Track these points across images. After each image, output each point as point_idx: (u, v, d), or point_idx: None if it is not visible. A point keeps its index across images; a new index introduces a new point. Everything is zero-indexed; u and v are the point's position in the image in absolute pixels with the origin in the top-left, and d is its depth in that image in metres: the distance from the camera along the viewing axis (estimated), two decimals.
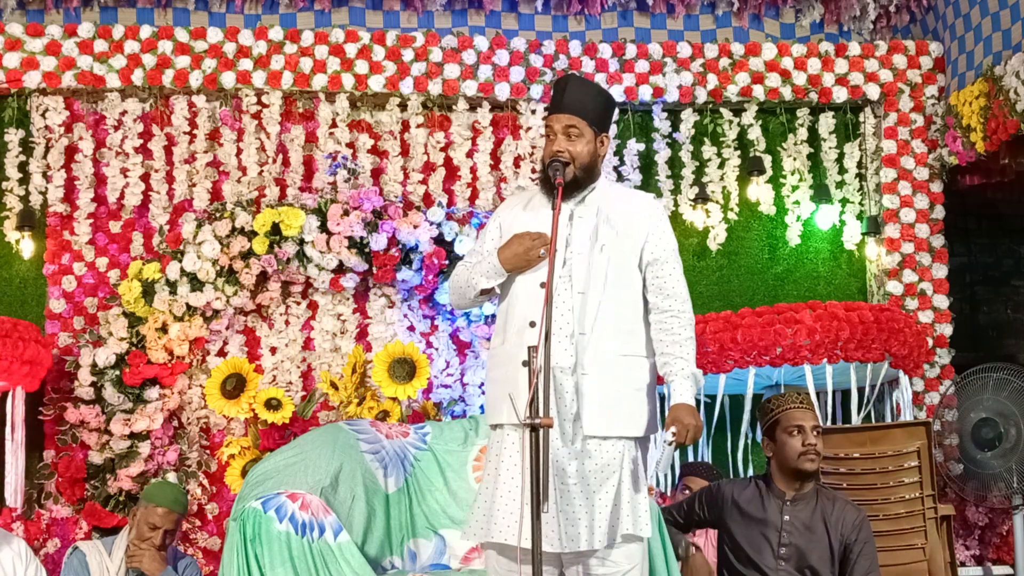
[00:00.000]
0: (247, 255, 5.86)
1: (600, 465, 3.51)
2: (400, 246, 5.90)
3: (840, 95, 6.61)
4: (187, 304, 5.80)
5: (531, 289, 3.61)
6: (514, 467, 3.51)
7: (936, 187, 6.63)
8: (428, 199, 6.20)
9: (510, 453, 3.55)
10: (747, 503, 4.28)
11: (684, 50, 6.54)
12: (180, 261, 5.81)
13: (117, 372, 5.74)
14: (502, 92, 6.34)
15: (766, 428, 4.34)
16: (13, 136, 6.07)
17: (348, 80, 6.24)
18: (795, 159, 6.61)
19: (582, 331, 3.53)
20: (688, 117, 6.51)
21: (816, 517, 4.19)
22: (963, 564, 6.10)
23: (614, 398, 3.53)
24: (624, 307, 3.60)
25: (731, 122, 6.55)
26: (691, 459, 5.98)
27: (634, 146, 6.45)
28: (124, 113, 6.14)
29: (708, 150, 6.54)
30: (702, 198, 6.47)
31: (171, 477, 5.74)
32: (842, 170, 6.64)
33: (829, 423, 5.66)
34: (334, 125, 6.27)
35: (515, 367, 3.54)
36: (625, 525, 3.47)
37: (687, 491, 5.01)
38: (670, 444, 3.38)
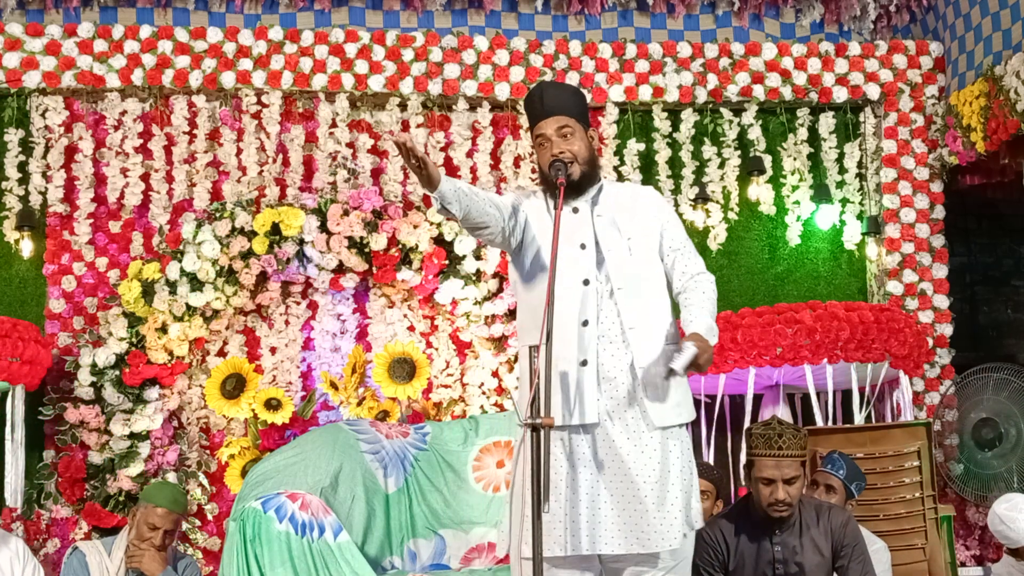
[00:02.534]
0: (247, 255, 5.85)
1: (661, 458, 3.47)
2: (400, 246, 5.90)
3: (840, 95, 6.61)
4: (187, 304, 5.80)
5: (572, 287, 3.52)
6: (561, 469, 3.46)
7: (936, 187, 6.63)
8: (428, 199, 6.20)
9: (555, 456, 3.45)
10: (742, 547, 4.22)
11: (684, 50, 6.54)
12: (180, 261, 5.81)
13: (117, 372, 5.73)
14: (502, 92, 6.34)
15: (746, 464, 4.29)
16: (13, 136, 6.07)
17: (348, 80, 6.24)
18: (795, 159, 6.61)
19: (631, 326, 3.50)
20: (688, 117, 6.51)
21: (804, 535, 4.17)
22: (963, 564, 6.10)
23: (669, 387, 3.52)
24: (657, 297, 3.60)
25: (731, 122, 6.55)
26: None
27: (634, 146, 6.45)
28: (124, 113, 6.14)
29: (708, 150, 6.54)
30: (702, 198, 6.46)
31: (171, 477, 5.74)
32: (842, 170, 6.64)
33: (829, 423, 5.66)
34: (334, 125, 6.27)
35: (575, 368, 3.48)
36: (685, 520, 3.46)
37: None
38: (682, 360, 3.34)
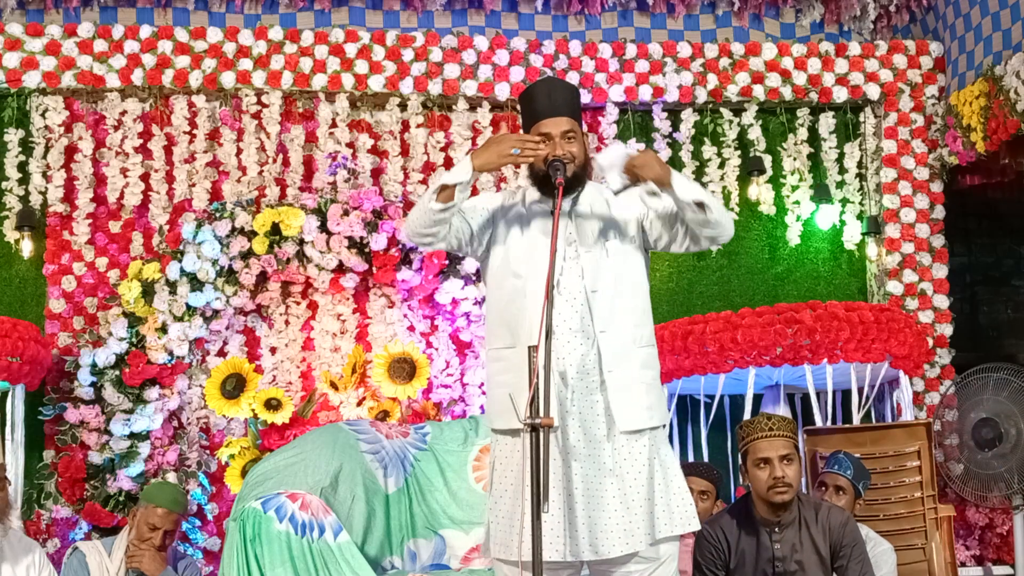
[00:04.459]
0: (247, 255, 5.85)
1: (632, 460, 3.48)
2: (400, 246, 5.90)
3: (840, 95, 6.61)
4: (187, 304, 5.80)
5: (510, 295, 3.53)
6: (516, 472, 3.48)
7: (936, 187, 6.63)
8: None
9: (509, 459, 3.52)
10: (743, 544, 4.21)
11: (684, 50, 6.54)
12: (180, 261, 5.81)
13: (117, 372, 5.73)
14: (502, 92, 6.34)
15: (741, 458, 4.29)
16: (13, 136, 6.07)
17: (348, 80, 6.24)
18: (795, 159, 6.61)
19: (602, 329, 3.50)
20: (688, 117, 6.51)
21: (803, 533, 4.16)
22: (963, 564, 6.10)
23: (639, 390, 3.52)
24: (636, 298, 3.58)
25: (731, 122, 6.55)
26: (691, 459, 5.98)
27: (634, 146, 6.45)
28: (124, 113, 6.14)
29: (708, 150, 6.54)
30: None
31: (171, 477, 5.74)
32: (842, 170, 6.64)
33: (829, 423, 5.66)
34: (334, 125, 6.27)
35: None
36: (660, 527, 3.46)
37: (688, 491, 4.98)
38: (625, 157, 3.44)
